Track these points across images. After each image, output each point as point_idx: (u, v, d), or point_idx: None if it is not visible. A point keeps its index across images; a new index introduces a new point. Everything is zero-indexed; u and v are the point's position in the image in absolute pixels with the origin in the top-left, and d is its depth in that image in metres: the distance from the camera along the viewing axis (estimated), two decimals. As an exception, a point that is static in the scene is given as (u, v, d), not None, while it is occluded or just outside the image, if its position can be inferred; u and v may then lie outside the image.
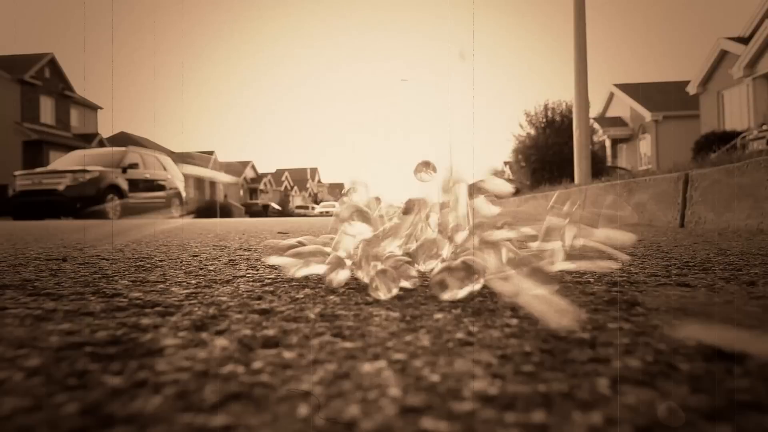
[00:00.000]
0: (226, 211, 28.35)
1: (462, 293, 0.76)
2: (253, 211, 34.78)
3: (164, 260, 1.50)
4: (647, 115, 21.27)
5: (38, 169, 11.62)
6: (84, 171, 10.85)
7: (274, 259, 0.99)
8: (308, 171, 63.86)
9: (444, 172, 0.94)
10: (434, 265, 0.89)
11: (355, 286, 0.96)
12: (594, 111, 21.51)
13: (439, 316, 0.70)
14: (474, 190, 0.92)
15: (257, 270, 1.27)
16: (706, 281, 0.98)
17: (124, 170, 11.71)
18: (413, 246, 0.92)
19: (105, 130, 30.92)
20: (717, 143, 12.67)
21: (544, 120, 17.10)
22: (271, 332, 0.61)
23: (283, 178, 54.45)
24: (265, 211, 35.12)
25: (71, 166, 11.54)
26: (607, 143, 23.08)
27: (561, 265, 0.87)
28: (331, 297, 0.85)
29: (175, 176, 13.78)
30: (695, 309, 0.56)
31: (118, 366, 0.48)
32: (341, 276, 0.89)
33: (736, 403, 0.38)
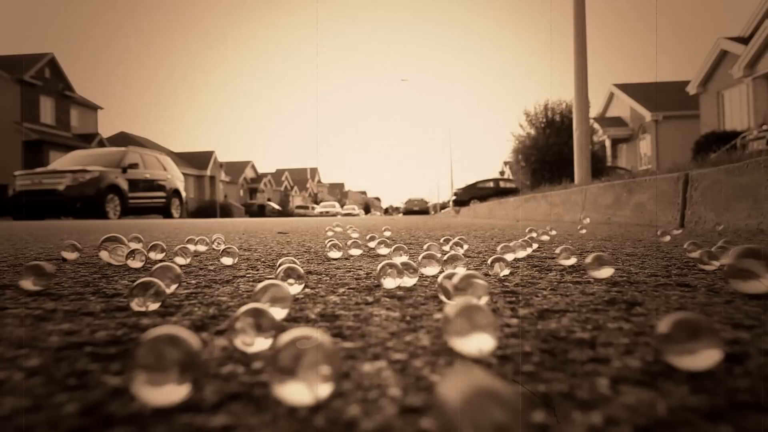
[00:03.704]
0: (225, 211, 28.33)
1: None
2: (251, 212, 34.57)
3: (164, 260, 1.50)
4: (647, 115, 21.26)
5: (38, 169, 11.60)
6: (84, 171, 10.84)
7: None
8: (308, 171, 63.86)
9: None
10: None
11: (355, 287, 0.96)
12: (594, 111, 21.49)
13: (439, 316, 0.70)
14: None
15: (257, 270, 1.27)
16: (707, 281, 0.98)
17: (124, 170, 11.71)
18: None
19: (105, 130, 30.92)
20: (717, 143, 12.66)
21: (544, 120, 17.09)
22: (271, 332, 0.61)
23: (283, 178, 54.44)
24: (261, 212, 34.66)
25: (71, 166, 11.53)
26: (607, 143, 23.08)
27: None
28: (332, 297, 0.85)
29: (175, 176, 13.76)
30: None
31: (117, 366, 0.48)
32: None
33: (736, 403, 0.38)
